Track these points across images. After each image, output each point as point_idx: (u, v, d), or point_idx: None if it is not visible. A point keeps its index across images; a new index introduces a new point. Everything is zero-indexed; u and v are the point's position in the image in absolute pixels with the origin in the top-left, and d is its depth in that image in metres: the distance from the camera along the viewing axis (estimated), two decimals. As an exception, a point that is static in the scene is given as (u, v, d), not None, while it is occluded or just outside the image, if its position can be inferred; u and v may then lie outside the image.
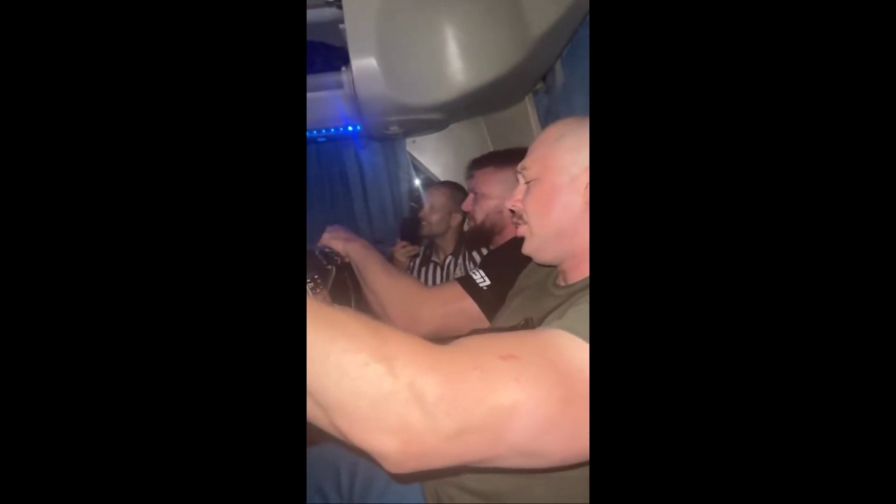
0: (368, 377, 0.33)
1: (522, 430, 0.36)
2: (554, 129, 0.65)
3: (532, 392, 0.36)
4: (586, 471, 0.53)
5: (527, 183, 0.65)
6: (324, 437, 0.89)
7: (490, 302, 0.86)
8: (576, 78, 1.14)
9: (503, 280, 0.86)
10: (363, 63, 1.03)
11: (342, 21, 1.03)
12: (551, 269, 0.72)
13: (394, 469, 0.35)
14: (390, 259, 1.47)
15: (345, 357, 0.33)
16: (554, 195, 0.61)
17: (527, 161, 0.66)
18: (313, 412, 0.35)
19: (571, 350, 0.39)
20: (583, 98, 1.12)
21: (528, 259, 0.82)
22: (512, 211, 0.68)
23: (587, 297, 0.45)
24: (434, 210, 1.56)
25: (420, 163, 1.84)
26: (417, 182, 1.92)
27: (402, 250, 1.53)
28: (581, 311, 0.43)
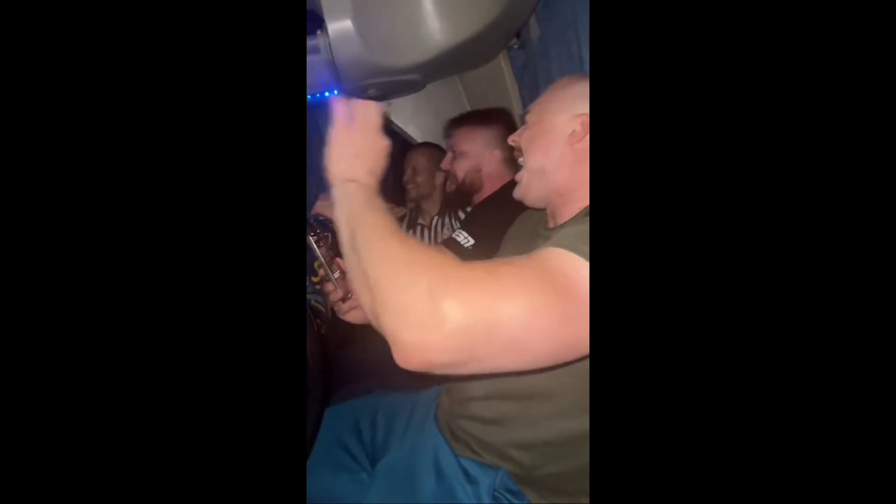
0: (415, 292, 0.42)
1: (515, 325, 0.43)
2: (564, 80, 0.72)
3: (527, 288, 0.44)
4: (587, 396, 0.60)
5: (528, 124, 0.71)
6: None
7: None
8: (551, 32, 1.15)
9: (486, 237, 0.90)
10: (339, 26, 1.01)
11: (312, -18, 1.01)
12: (540, 217, 0.76)
13: (401, 361, 0.43)
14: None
15: (406, 268, 0.44)
16: (544, 135, 0.67)
17: (533, 104, 0.72)
18: (363, 294, 0.46)
19: (560, 259, 0.46)
20: (559, 51, 1.13)
21: (509, 214, 0.86)
22: (511, 148, 0.75)
23: (573, 225, 0.53)
24: (417, 172, 1.56)
25: (397, 125, 1.82)
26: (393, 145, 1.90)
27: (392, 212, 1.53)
28: (567, 232, 0.50)
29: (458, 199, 1.26)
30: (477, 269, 0.46)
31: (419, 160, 1.57)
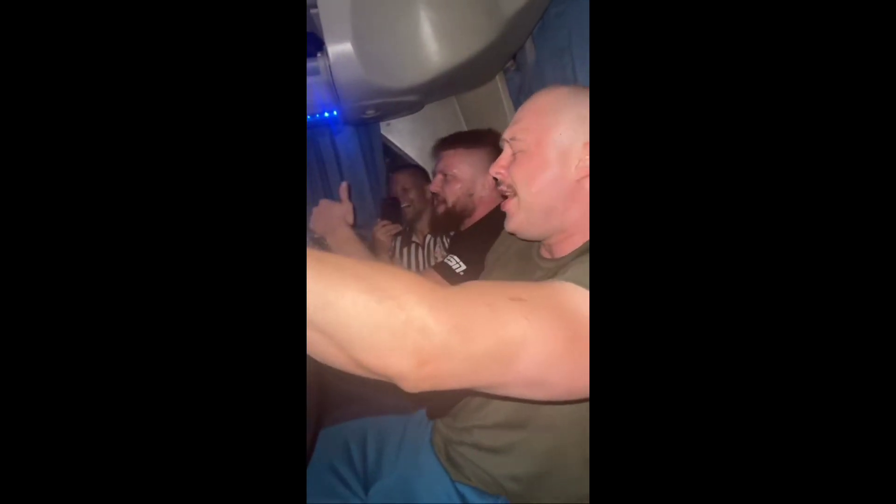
0: (385, 311, 0.35)
1: (530, 360, 0.39)
2: (546, 100, 0.63)
3: (539, 328, 0.39)
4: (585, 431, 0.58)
5: (514, 153, 0.64)
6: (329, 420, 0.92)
7: None
8: (546, 54, 1.17)
9: (478, 263, 0.89)
10: (339, 48, 1.03)
11: (313, 6, 1.03)
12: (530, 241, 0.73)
13: (411, 389, 0.37)
14: (372, 239, 1.49)
15: (361, 296, 0.35)
16: (544, 169, 0.60)
17: (516, 130, 0.63)
18: (329, 351, 0.36)
19: (576, 298, 0.42)
20: (554, 74, 1.15)
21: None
22: (495, 179, 0.67)
23: (587, 259, 0.47)
24: (408, 190, 1.57)
25: (395, 146, 1.84)
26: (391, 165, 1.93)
27: (384, 229, 1.51)
28: (584, 267, 0.45)
29: (448, 222, 1.23)
30: (474, 299, 0.39)
31: (405, 179, 1.59)
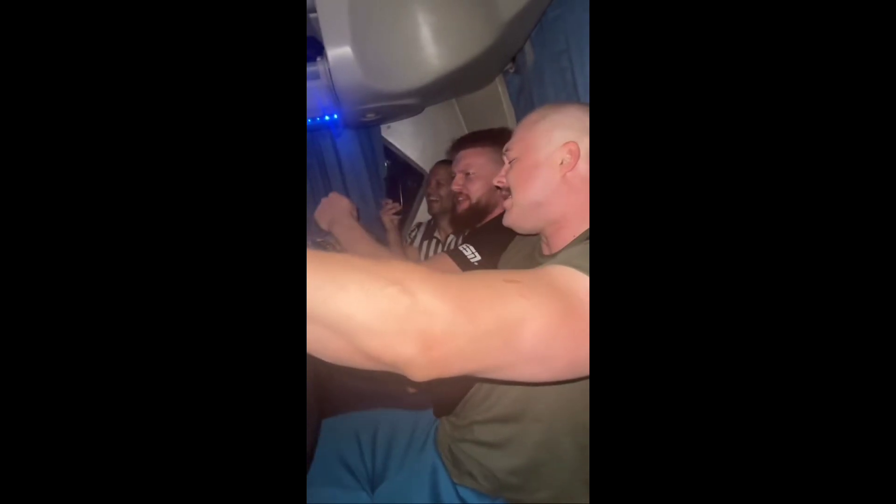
0: (388, 297, 0.35)
1: (532, 335, 0.40)
2: (533, 115, 0.73)
3: (536, 304, 0.40)
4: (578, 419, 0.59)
5: (510, 162, 0.73)
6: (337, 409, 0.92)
7: None
8: (545, 57, 1.18)
9: (493, 255, 0.90)
10: (339, 52, 1.04)
11: (313, 10, 1.04)
12: (535, 242, 0.78)
13: (419, 376, 0.37)
14: (379, 224, 1.49)
15: (363, 285, 0.35)
16: (533, 171, 0.68)
17: (510, 143, 0.73)
18: (334, 346, 0.36)
19: (568, 278, 0.44)
20: (553, 76, 1.16)
21: (513, 234, 0.86)
22: (498, 187, 0.77)
23: (575, 247, 0.51)
24: (441, 185, 1.56)
25: (396, 148, 1.85)
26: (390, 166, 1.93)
27: (385, 207, 1.50)
28: (574, 250, 0.48)
29: (472, 219, 1.23)
30: (473, 283, 0.41)
31: (443, 173, 1.58)
